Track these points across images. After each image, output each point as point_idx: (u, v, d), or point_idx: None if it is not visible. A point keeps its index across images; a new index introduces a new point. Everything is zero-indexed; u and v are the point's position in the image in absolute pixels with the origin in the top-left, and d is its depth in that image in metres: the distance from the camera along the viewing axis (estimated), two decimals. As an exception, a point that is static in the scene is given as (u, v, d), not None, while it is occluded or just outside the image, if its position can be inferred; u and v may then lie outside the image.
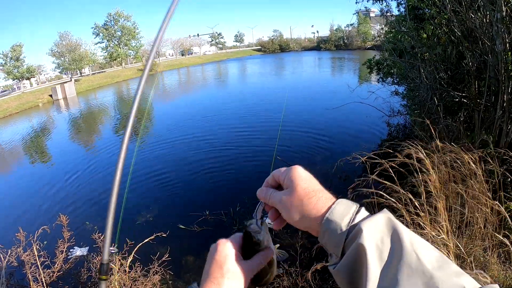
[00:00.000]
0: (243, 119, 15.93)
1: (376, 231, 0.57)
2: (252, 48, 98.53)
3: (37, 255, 3.92)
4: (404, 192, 3.05)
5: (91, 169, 11.84)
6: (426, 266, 0.51)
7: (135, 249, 4.01)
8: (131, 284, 3.75)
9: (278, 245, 0.84)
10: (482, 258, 3.08)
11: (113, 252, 3.73)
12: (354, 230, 0.59)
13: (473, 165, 3.17)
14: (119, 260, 3.83)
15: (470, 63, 5.07)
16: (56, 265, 3.99)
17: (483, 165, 3.32)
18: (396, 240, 0.55)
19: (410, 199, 3.00)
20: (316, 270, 4.36)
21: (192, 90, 34.00)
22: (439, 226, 2.86)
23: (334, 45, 79.77)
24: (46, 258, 4.06)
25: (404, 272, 0.51)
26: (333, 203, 0.64)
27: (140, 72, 56.32)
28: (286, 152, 10.35)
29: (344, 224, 0.61)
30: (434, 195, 2.96)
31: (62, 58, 52.52)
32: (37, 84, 51.12)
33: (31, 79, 51.55)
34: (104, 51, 62.31)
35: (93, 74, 57.52)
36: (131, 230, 6.77)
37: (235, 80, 38.71)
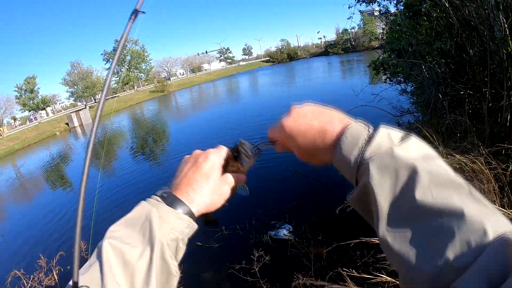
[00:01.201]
0: (255, 128, 15.94)
1: (386, 166, 0.52)
2: (261, 59, 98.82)
3: (58, 279, 4.01)
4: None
5: (110, 192, 12.00)
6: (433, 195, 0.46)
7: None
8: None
9: (245, 178, 0.81)
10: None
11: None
12: (363, 166, 0.55)
13: (480, 165, 3.13)
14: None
15: (471, 53, 5.00)
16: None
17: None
18: (411, 172, 0.50)
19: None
20: (331, 278, 4.37)
21: (204, 107, 34.27)
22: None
23: (342, 48, 79.48)
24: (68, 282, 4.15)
25: (414, 203, 0.47)
26: (343, 132, 0.60)
27: (152, 94, 57.90)
28: (296, 164, 10.33)
29: (352, 160, 0.57)
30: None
31: (75, 87, 53.77)
32: (53, 114, 52.42)
33: (47, 108, 52.81)
34: (116, 76, 63.53)
35: (106, 99, 58.42)
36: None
37: (245, 93, 38.87)
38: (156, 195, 0.68)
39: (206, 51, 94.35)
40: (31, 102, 50.52)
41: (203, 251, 6.53)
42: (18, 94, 50.57)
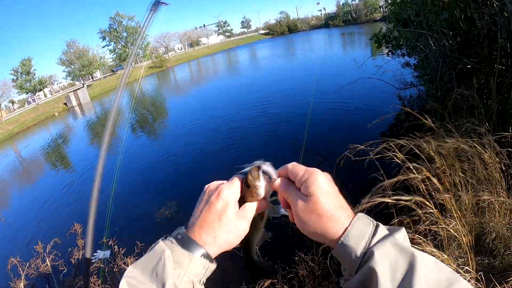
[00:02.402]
0: (256, 107, 15.67)
1: (389, 253, 0.57)
2: (260, 32, 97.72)
3: (51, 265, 3.96)
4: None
5: (112, 172, 11.95)
6: None
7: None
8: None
9: (274, 197, 0.78)
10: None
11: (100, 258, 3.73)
12: (367, 253, 0.59)
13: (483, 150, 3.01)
14: (131, 263, 3.82)
15: (480, 26, 4.81)
16: (73, 273, 4.03)
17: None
18: (409, 262, 0.56)
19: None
20: (333, 256, 4.30)
21: (203, 81, 33.87)
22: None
23: (343, 20, 78.20)
24: (64, 267, 4.11)
25: None
26: (349, 225, 0.63)
27: (151, 70, 57.41)
28: (299, 137, 10.18)
29: (359, 250, 0.60)
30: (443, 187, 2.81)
31: (72, 66, 53.36)
32: (51, 94, 52.18)
33: (45, 89, 52.59)
34: (113, 53, 62.99)
35: (104, 77, 58.22)
36: (148, 228, 6.82)
37: (245, 66, 38.40)
38: (172, 236, 0.69)
39: (204, 25, 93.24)
40: (28, 84, 50.27)
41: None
42: (15, 77, 50.32)
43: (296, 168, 0.71)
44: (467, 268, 2.48)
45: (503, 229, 3.05)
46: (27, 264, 4.05)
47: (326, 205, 0.64)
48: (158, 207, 7.74)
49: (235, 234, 0.72)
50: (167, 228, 4.45)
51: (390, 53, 10.09)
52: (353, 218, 0.64)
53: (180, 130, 14.69)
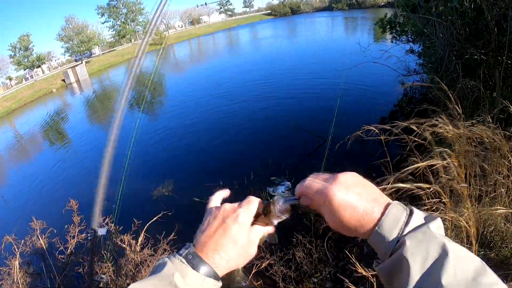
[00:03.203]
0: (257, 85, 15.53)
1: (420, 243, 0.58)
2: (262, 12, 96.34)
3: (46, 242, 3.93)
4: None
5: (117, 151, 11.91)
6: (464, 280, 0.53)
7: (145, 228, 3.96)
8: (142, 265, 3.72)
9: (274, 228, 0.81)
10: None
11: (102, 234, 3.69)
12: (400, 241, 0.61)
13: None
14: (128, 240, 3.80)
15: (489, 17, 4.69)
16: (69, 250, 3.99)
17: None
18: (441, 251, 0.57)
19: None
20: (331, 238, 4.29)
21: (204, 60, 33.49)
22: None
23: (347, 4, 76.77)
24: (59, 244, 4.07)
25: (443, 281, 0.53)
26: (381, 217, 0.64)
27: (151, 47, 56.22)
28: (295, 118, 10.07)
29: (391, 238, 0.62)
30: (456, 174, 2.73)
31: (71, 42, 52.74)
32: (49, 71, 51.68)
33: (43, 66, 52.13)
34: (112, 30, 62.23)
35: (103, 54, 57.59)
36: (143, 206, 6.80)
37: (246, 46, 37.96)
38: (180, 255, 0.69)
39: (205, 3, 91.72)
40: (26, 60, 49.75)
41: (199, 208, 6.44)
42: (12, 53, 49.79)
43: (309, 188, 0.71)
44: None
45: (502, 222, 3.03)
46: (22, 242, 4.01)
47: (351, 221, 0.66)
48: (155, 185, 7.74)
49: (244, 258, 0.74)
50: (164, 205, 4.46)
51: (394, 39, 10.00)
52: (386, 208, 0.65)
53: (178, 109, 14.65)
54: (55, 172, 11.28)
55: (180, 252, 0.70)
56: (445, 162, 2.58)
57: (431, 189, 2.54)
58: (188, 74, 25.66)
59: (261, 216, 0.76)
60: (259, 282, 3.92)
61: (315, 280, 4.24)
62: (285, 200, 0.76)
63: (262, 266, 3.72)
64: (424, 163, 2.55)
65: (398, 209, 0.64)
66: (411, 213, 0.63)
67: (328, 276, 4.24)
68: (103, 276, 3.72)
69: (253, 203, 0.77)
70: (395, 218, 0.63)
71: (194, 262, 0.68)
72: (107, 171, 0.96)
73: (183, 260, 0.67)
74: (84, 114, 21.33)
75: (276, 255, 4.05)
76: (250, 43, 40.78)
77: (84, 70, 41.68)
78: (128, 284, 2.81)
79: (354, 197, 0.66)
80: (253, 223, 0.76)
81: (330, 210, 0.67)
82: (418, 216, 0.64)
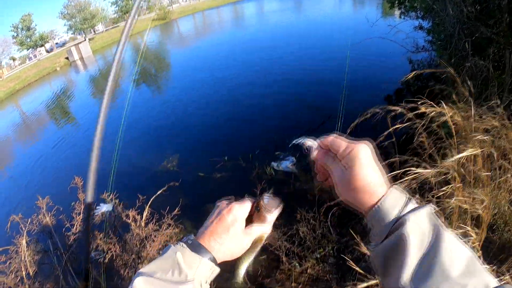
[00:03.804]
0: (263, 60, 15.30)
1: (419, 223, 0.61)
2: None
3: (52, 220, 3.97)
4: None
5: (114, 125, 11.93)
6: (454, 272, 0.54)
7: (149, 202, 3.99)
8: (147, 240, 3.76)
9: (270, 228, 0.86)
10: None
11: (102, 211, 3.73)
12: (400, 221, 0.63)
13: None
14: (133, 216, 3.83)
15: None
16: (74, 227, 4.04)
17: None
18: (436, 235, 0.59)
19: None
20: (334, 214, 4.28)
21: (209, 34, 32.95)
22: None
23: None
24: (66, 222, 4.12)
25: (436, 267, 0.55)
26: (385, 194, 0.67)
27: (155, 22, 55.88)
28: (301, 93, 9.96)
29: (391, 217, 0.64)
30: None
31: (73, 19, 52.23)
32: (53, 49, 51.40)
33: (46, 45, 51.88)
34: (115, 6, 61.39)
35: (106, 30, 57.02)
36: (148, 182, 6.84)
37: (252, 21, 37.28)
38: (182, 241, 0.76)
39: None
40: (29, 40, 49.51)
41: (205, 182, 6.49)
42: (15, 34, 49.53)
43: (337, 142, 0.73)
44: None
45: (505, 205, 3.02)
46: (29, 220, 4.06)
47: (365, 181, 0.68)
48: (160, 161, 7.76)
49: (238, 247, 0.79)
50: (169, 180, 4.46)
51: (402, 14, 9.78)
52: (389, 188, 0.68)
53: (183, 84, 14.62)
54: (60, 150, 11.37)
55: (182, 239, 0.76)
56: (479, 150, 2.56)
57: (446, 175, 2.52)
58: (193, 49, 25.36)
59: (255, 214, 0.83)
60: (263, 257, 3.96)
61: (318, 256, 4.26)
62: (270, 197, 0.84)
63: (266, 241, 3.75)
64: (465, 154, 2.53)
65: (398, 192, 0.68)
66: (410, 198, 0.67)
67: (331, 251, 4.27)
68: (100, 252, 3.76)
69: (246, 201, 0.83)
70: (396, 199, 0.66)
71: (193, 245, 0.74)
72: (99, 144, 0.96)
73: (183, 244, 0.74)
74: (89, 91, 21.33)
75: (280, 230, 4.07)
76: (256, 16, 40.08)
77: (88, 47, 41.42)
78: (134, 260, 2.84)
79: (371, 165, 0.69)
80: (251, 221, 0.82)
81: (351, 161, 0.69)
82: (414, 202, 0.67)
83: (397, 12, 10.51)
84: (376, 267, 0.68)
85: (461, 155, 2.52)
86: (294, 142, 0.83)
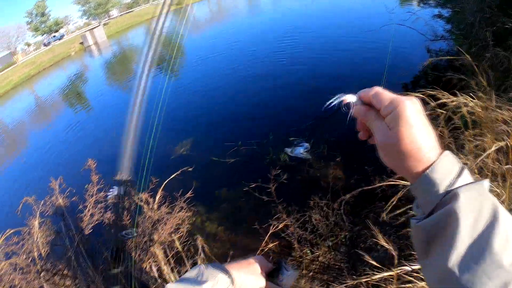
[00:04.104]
0: (278, 45, 14.99)
1: (475, 199, 0.54)
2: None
3: (64, 202, 3.99)
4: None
5: (125, 109, 11.99)
6: (508, 259, 0.48)
7: (162, 186, 3.99)
8: (159, 223, 3.77)
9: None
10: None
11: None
12: (451, 194, 0.55)
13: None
14: (146, 198, 3.84)
15: None
16: (87, 209, 4.06)
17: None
18: (494, 215, 0.52)
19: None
20: (347, 202, 4.23)
21: (225, 19, 32.55)
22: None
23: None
24: (79, 203, 4.14)
25: (488, 252, 0.49)
26: (436, 161, 0.58)
27: (171, 7, 55.06)
28: (316, 79, 9.80)
29: (442, 187, 0.57)
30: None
31: (88, 5, 52.52)
32: (67, 35, 51.86)
33: (60, 30, 52.37)
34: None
35: (121, 15, 57.10)
36: (161, 165, 6.85)
37: (269, 4, 36.65)
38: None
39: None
40: (43, 25, 50.03)
41: (218, 167, 6.47)
42: (29, 20, 50.06)
43: (381, 95, 0.64)
44: None
45: None
46: (42, 202, 4.09)
47: (411, 144, 0.59)
48: (173, 145, 7.75)
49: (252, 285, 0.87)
50: (182, 164, 4.45)
51: (421, 2, 9.61)
52: (440, 154, 0.59)
53: (198, 68, 14.51)
54: (73, 134, 11.48)
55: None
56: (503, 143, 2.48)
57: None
58: (208, 34, 25.15)
59: (270, 277, 0.91)
60: (275, 243, 3.93)
61: (330, 243, 4.23)
62: (289, 272, 0.91)
63: (280, 227, 3.72)
64: (493, 148, 2.46)
65: (452, 158, 0.59)
66: (463, 167, 0.58)
67: (343, 240, 4.23)
68: (130, 231, 3.77)
69: (268, 263, 0.93)
70: (449, 166, 0.58)
71: (215, 264, 0.83)
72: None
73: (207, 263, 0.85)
74: (103, 76, 21.43)
75: (293, 216, 4.05)
76: (273, 4, 39.45)
77: (103, 32, 41.56)
78: (145, 242, 2.83)
79: (420, 126, 0.60)
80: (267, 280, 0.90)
81: (395, 121, 0.60)
82: (468, 173, 0.58)
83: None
84: (416, 244, 0.61)
85: (490, 151, 2.43)
86: (329, 103, 0.73)
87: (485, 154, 2.44)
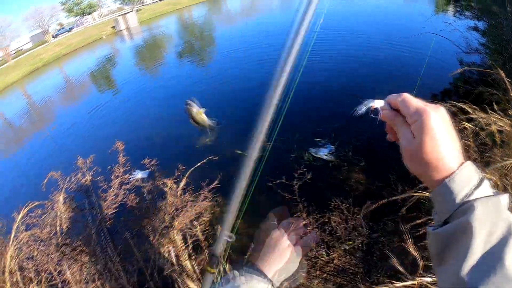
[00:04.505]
0: (311, 45, 14.94)
1: (490, 213, 0.55)
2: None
3: (90, 181, 4.07)
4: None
5: (154, 95, 12.15)
6: None
7: (187, 173, 4.02)
8: (181, 208, 3.81)
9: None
10: None
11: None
12: (468, 205, 0.57)
13: None
14: (171, 183, 3.88)
15: None
16: (112, 189, 4.13)
17: None
18: (508, 230, 0.53)
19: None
20: (370, 208, 4.21)
21: (258, 12, 32.11)
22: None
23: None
24: (103, 183, 4.22)
25: (501, 266, 0.51)
26: (455, 171, 0.60)
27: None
28: (340, 80, 9.70)
29: (459, 197, 0.59)
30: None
31: (122, -12, 53.24)
32: (100, 18, 52.64)
33: (93, 13, 53.19)
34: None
35: (154, 2, 57.56)
36: (186, 154, 6.92)
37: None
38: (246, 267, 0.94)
39: None
40: (77, 7, 50.89)
41: (241, 160, 6.44)
42: (64, 1, 50.95)
43: (408, 102, 0.66)
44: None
45: None
46: (68, 179, 4.17)
47: (434, 154, 0.61)
48: (199, 134, 7.79)
49: (292, 268, 0.97)
50: (206, 154, 4.49)
51: (457, 13, 9.41)
52: (461, 164, 0.61)
53: (227, 60, 14.48)
54: (99, 114, 11.67)
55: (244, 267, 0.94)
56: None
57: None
58: (241, 26, 25.09)
59: None
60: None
61: (346, 247, 4.21)
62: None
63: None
64: None
65: (472, 169, 0.61)
66: (482, 179, 0.60)
67: (360, 245, 4.21)
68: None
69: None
70: (468, 177, 0.60)
71: (254, 268, 0.92)
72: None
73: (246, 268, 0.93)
74: (132, 60, 21.67)
75: (312, 217, 4.04)
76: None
77: (135, 18, 41.94)
78: (165, 227, 2.86)
79: (444, 137, 0.62)
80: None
81: (419, 131, 0.62)
82: (487, 184, 0.60)
83: (451, 9, 10.13)
84: (432, 250, 0.63)
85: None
86: (357, 108, 0.78)
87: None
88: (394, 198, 3.42)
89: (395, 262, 2.60)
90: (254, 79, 11.02)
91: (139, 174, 6.12)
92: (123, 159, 4.22)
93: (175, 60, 17.68)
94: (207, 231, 3.73)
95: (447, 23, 8.44)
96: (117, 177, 4.17)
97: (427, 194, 2.84)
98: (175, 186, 3.90)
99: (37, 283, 3.34)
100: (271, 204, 4.90)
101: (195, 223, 3.62)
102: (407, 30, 11.04)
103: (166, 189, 3.84)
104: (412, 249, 2.42)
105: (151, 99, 11.87)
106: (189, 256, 3.45)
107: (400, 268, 2.58)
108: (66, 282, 3.51)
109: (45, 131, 12.67)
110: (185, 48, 20.58)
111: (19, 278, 3.18)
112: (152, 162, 4.18)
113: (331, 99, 8.57)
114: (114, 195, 4.14)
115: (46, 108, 16.51)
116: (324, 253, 4.16)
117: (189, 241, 3.47)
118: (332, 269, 4.11)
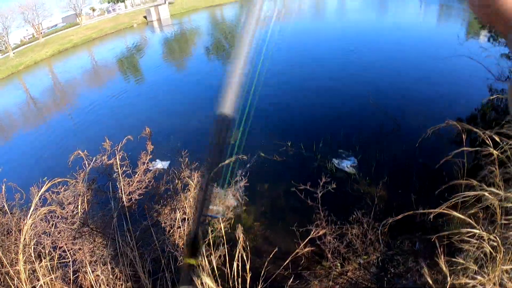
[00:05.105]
0: (341, 58, 14.75)
1: None
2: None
3: (119, 164, 4.07)
4: None
5: (180, 88, 12.26)
6: None
7: (215, 169, 4.02)
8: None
9: None
10: None
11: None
12: None
13: None
14: (196, 177, 3.89)
15: None
16: (137, 175, 4.16)
17: None
18: None
19: None
20: (387, 224, 4.16)
21: (292, 17, 32.02)
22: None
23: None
24: (128, 168, 4.24)
25: None
26: None
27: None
28: (375, 96, 9.65)
29: None
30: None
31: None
32: (132, 7, 53.29)
33: (126, 1, 53.82)
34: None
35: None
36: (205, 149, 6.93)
37: (332, 14, 35.99)
38: None
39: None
40: (111, -7, 51.60)
41: (265, 163, 6.47)
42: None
43: None
44: None
45: None
46: (93, 159, 4.20)
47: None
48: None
49: None
50: (232, 155, 4.50)
51: (491, 38, 9.26)
52: None
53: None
54: (123, 100, 11.82)
55: None
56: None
57: None
58: (271, 29, 25.05)
59: None
60: (310, 249, 3.92)
61: (361, 261, 4.17)
62: None
63: (319, 234, 3.69)
64: None
65: None
66: None
67: (375, 261, 4.16)
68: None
69: None
70: None
71: None
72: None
73: None
74: (160, 51, 21.87)
75: (331, 227, 4.01)
76: (336, 12, 38.82)
77: (167, 10, 42.29)
78: (184, 219, 2.86)
79: None
80: None
81: None
82: None
83: (483, 34, 9.96)
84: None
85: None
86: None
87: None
88: (416, 212, 3.38)
89: (425, 272, 2.53)
90: (281, 86, 10.99)
91: (159, 164, 6.18)
92: (152, 147, 4.25)
93: (203, 55, 17.79)
94: (227, 229, 3.74)
95: (482, 48, 8.31)
96: (144, 163, 4.20)
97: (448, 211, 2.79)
98: (198, 179, 3.91)
99: (49, 259, 3.36)
100: (289, 209, 4.90)
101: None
102: (442, 50, 10.90)
103: (191, 182, 3.84)
104: (443, 265, 2.36)
105: (178, 92, 11.99)
106: (206, 251, 3.45)
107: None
108: (78, 261, 3.53)
109: (69, 110, 12.89)
110: (213, 45, 20.70)
111: (32, 252, 3.17)
112: (183, 153, 4.20)
113: (360, 112, 8.51)
114: (138, 181, 4.17)
115: (71, 88, 16.85)
116: (338, 264, 4.13)
117: (210, 236, 3.48)
118: (345, 281, 4.07)
